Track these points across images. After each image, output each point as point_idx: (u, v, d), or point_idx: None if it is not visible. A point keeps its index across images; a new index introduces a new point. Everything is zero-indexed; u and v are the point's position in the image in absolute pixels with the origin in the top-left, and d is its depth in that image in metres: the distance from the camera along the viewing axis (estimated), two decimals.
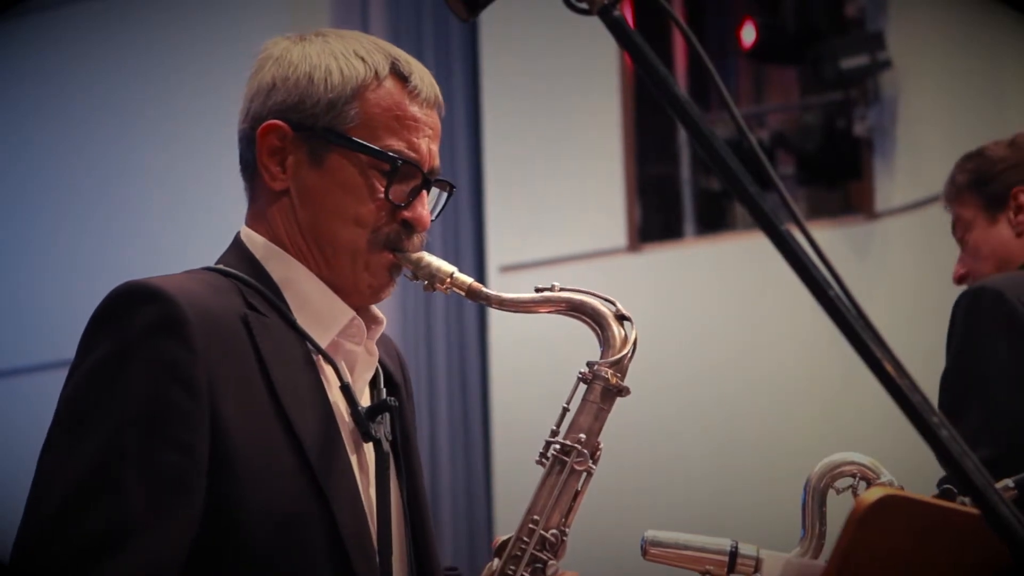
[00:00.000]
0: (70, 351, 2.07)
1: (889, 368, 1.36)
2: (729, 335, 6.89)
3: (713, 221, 7.47)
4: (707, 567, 2.14)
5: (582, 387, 2.18)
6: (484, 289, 2.18)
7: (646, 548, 2.18)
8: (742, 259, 6.86)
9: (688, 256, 7.26)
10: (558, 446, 2.16)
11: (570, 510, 2.15)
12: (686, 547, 2.16)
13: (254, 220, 2.23)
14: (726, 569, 2.13)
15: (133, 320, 2.01)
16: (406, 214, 2.17)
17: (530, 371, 6.84)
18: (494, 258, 7.24)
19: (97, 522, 1.94)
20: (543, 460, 2.16)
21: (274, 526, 2.02)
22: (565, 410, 2.17)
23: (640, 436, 6.34)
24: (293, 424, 2.06)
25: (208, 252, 2.25)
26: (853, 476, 2.16)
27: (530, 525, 2.13)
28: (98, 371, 2.01)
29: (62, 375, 2.06)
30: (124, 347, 2.01)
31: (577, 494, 2.16)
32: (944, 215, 3.48)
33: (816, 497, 2.15)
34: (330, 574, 2.05)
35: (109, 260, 7.49)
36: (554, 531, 2.13)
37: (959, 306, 3.15)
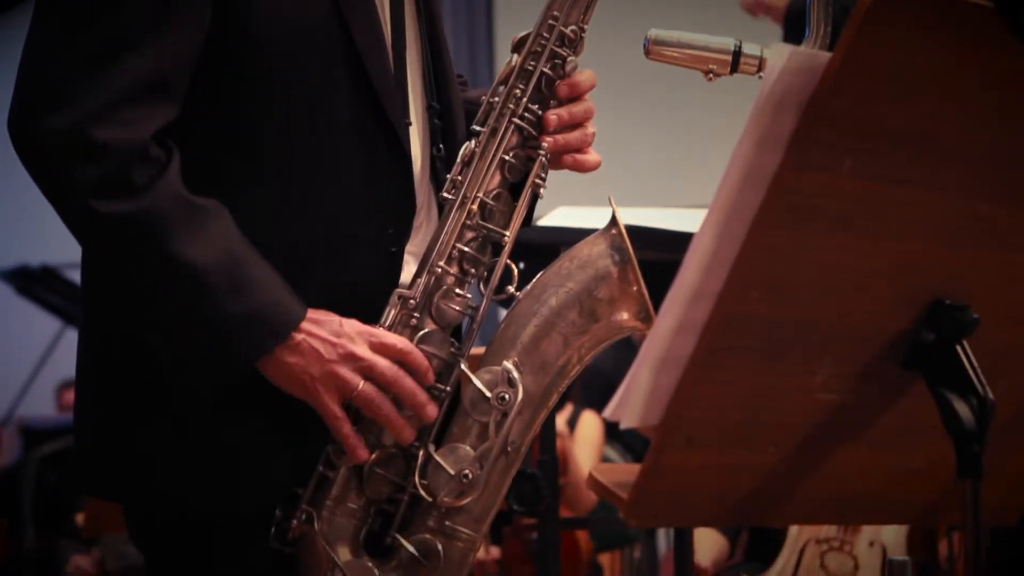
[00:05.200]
0: None
1: None
2: None
3: None
4: (710, 66, 2.13)
5: None
6: None
7: (648, 47, 2.16)
8: None
9: None
10: None
11: (588, 7, 2.12)
12: (689, 45, 2.14)
13: None
14: (729, 68, 2.12)
15: None
16: None
17: None
18: None
19: (98, 33, 1.93)
20: None
21: (284, 31, 2.01)
22: None
23: None
24: None
25: None
26: None
27: (550, 21, 2.11)
28: None
29: None
30: None
31: None
32: None
33: None
34: (344, 79, 2.05)
35: None
36: (573, 27, 2.11)
37: None
